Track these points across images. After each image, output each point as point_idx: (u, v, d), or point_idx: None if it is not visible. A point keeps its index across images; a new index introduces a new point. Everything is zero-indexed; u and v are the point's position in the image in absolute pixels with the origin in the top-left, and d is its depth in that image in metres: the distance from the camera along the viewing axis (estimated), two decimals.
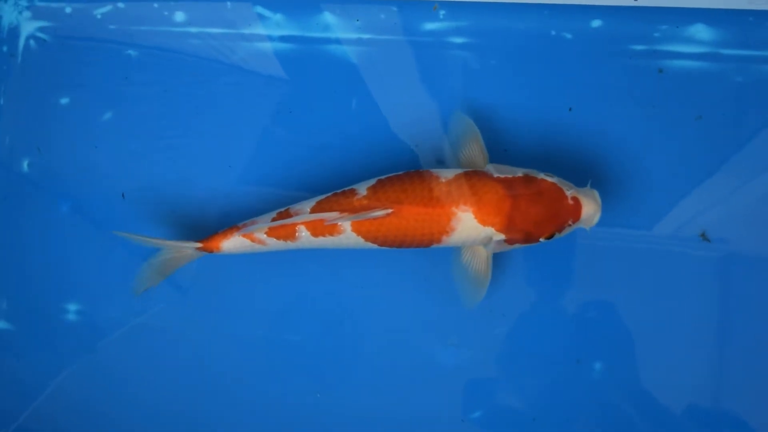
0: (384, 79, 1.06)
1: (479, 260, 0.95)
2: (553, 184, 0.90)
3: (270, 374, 1.07)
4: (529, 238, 0.91)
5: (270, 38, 1.09)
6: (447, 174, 0.93)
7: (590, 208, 0.90)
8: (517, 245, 0.92)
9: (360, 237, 0.93)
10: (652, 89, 1.01)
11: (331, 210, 0.94)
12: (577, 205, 0.89)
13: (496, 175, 0.91)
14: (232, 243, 0.99)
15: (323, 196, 0.96)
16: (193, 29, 1.11)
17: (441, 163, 1.04)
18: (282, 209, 0.98)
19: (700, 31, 1.01)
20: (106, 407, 1.10)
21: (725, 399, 0.99)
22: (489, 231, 0.90)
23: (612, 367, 1.00)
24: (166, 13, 1.11)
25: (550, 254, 1.01)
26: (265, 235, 0.97)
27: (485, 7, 1.05)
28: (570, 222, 0.90)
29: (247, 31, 1.10)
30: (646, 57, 1.02)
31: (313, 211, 0.95)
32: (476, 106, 1.04)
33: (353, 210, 0.92)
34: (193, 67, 1.10)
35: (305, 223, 0.94)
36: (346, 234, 0.93)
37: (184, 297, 1.09)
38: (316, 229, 0.94)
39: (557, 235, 0.91)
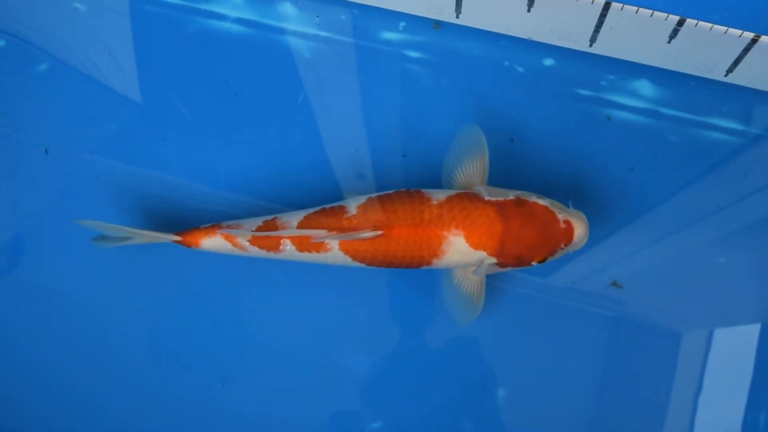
0: (334, 79, 1.06)
1: (471, 283, 0.94)
2: (546, 207, 0.89)
3: (175, 362, 1.04)
4: (521, 262, 0.90)
5: (226, 18, 1.07)
6: (439, 195, 0.91)
7: (581, 231, 0.89)
8: (509, 268, 0.92)
9: (348, 256, 0.92)
10: (592, 134, 1.04)
11: (319, 226, 0.91)
12: (569, 229, 0.89)
13: (487, 197, 0.90)
14: (213, 243, 0.95)
15: (311, 210, 0.94)
16: None
17: (364, 177, 1.04)
18: (268, 218, 0.95)
19: (644, 86, 1.05)
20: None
21: None
22: (480, 255, 0.90)
23: (515, 396, 1.02)
24: None
25: None
26: (248, 243, 0.94)
27: (446, 27, 1.06)
28: (562, 245, 0.89)
29: (204, 6, 1.08)
30: (590, 102, 1.05)
31: (301, 225, 0.92)
32: (422, 123, 1.05)
33: (342, 229, 0.91)
34: (143, 33, 1.07)
35: (291, 238, 0.92)
36: (333, 252, 0.92)
37: (95, 271, 1.05)
38: (302, 245, 0.92)
39: (549, 259, 0.90)
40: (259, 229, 0.94)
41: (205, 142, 1.05)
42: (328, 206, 0.94)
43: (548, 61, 1.06)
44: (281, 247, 0.93)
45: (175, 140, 1.05)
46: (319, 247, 0.91)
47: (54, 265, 1.05)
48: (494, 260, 0.90)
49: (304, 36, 1.07)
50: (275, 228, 0.93)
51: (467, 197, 0.91)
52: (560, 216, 0.89)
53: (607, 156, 1.04)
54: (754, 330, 1.02)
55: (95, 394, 1.04)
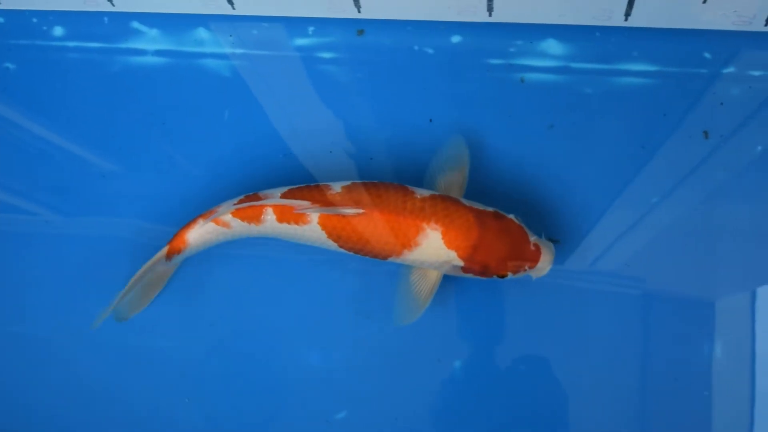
0: (255, 92, 1.10)
1: (427, 283, 0.96)
2: (520, 227, 0.92)
3: (137, 381, 1.08)
4: (485, 272, 0.92)
5: (145, 53, 1.12)
6: (423, 192, 0.94)
7: (546, 260, 0.91)
8: (469, 275, 0.94)
9: (324, 231, 0.94)
10: (508, 101, 1.06)
11: (303, 199, 0.94)
12: (537, 252, 0.91)
13: (468, 204, 0.93)
14: (198, 232, 0.98)
15: (294, 186, 0.97)
16: (71, 43, 1.14)
17: (326, 172, 1.07)
18: (250, 193, 0.98)
19: (552, 45, 1.07)
20: None
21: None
22: (451, 255, 0.91)
23: (469, 366, 1.03)
24: (45, 27, 1.14)
25: None
26: (230, 216, 0.96)
27: (352, 24, 1.09)
28: (526, 267, 0.92)
29: (123, 45, 1.13)
30: (503, 70, 1.07)
31: (284, 196, 0.95)
32: (344, 118, 1.08)
33: (326, 203, 0.93)
34: (71, 80, 1.13)
35: (273, 206, 0.94)
36: (311, 226, 0.94)
37: (60, 296, 1.09)
38: (283, 215, 0.94)
39: (510, 276, 0.92)
40: (240, 202, 0.97)
41: (141, 174, 1.10)
42: (312, 184, 0.97)
43: (455, 38, 1.08)
44: (263, 216, 0.95)
45: (113, 179, 1.10)
46: (299, 218, 0.93)
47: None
48: (461, 263, 0.92)
49: (221, 56, 1.12)
50: (257, 200, 0.96)
51: (449, 199, 0.94)
52: (531, 239, 0.92)
53: (526, 117, 1.06)
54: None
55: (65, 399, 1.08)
